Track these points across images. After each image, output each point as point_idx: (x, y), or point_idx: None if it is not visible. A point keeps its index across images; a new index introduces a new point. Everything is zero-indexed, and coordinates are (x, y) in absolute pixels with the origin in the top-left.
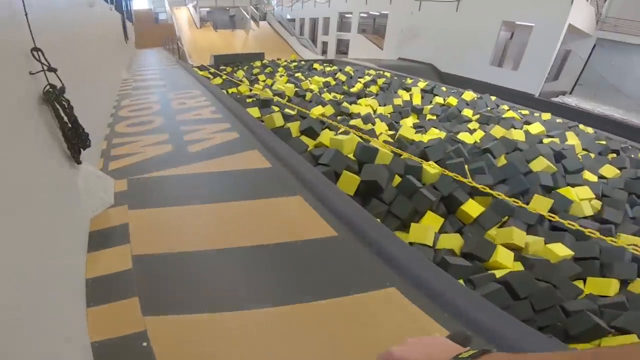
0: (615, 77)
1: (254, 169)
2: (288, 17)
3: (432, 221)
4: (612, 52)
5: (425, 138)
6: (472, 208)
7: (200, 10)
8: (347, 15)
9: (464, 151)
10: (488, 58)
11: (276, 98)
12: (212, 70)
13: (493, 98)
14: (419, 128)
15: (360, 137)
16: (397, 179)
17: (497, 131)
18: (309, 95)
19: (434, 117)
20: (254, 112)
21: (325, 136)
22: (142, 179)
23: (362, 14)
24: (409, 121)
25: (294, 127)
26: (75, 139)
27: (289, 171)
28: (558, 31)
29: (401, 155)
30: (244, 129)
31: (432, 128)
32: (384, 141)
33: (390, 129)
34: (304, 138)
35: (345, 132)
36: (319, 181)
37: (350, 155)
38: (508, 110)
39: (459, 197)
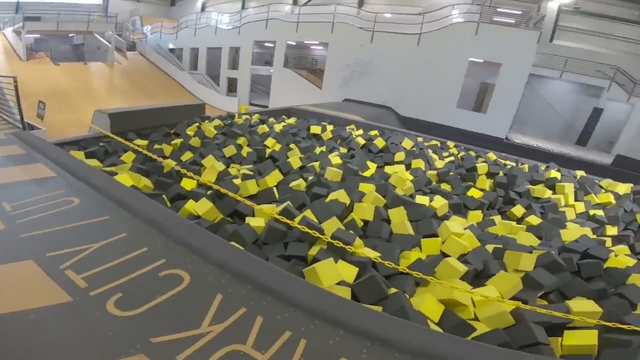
0: (539, 109)
1: None
2: (171, 46)
3: None
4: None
5: None
6: None
7: (25, 37)
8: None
9: None
10: (454, 100)
11: None
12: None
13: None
14: None
15: None
16: None
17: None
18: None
19: None
20: None
21: None
22: None
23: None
24: None
25: None
26: None
27: None
28: (525, 69)
29: None
30: None
31: None
32: None
33: None
34: None
35: None
36: None
37: None
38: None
39: None
